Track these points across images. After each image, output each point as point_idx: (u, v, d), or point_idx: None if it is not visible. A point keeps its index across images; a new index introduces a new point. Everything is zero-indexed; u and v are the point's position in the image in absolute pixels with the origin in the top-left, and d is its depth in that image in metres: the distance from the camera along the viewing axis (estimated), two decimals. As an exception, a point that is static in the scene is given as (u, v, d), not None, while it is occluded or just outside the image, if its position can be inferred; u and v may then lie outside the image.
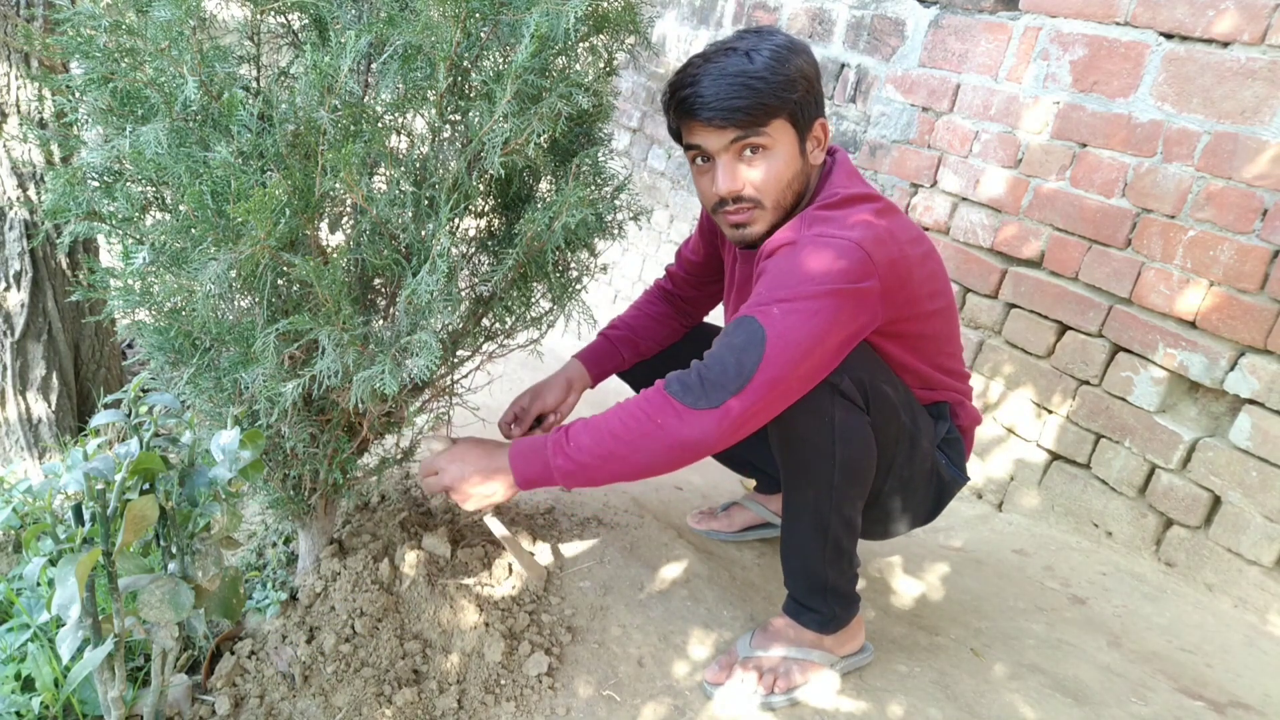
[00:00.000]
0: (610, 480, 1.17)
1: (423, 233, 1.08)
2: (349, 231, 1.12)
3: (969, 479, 1.40)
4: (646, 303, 1.69)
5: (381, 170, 1.14)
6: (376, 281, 1.22)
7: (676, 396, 1.11)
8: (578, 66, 1.16)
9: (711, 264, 1.62)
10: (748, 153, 1.21)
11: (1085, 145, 2.08)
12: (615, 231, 1.36)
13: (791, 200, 1.27)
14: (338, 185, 1.00)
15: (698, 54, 1.22)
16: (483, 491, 1.23)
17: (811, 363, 1.13)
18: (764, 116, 1.18)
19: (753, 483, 1.98)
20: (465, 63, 1.06)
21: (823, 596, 1.36)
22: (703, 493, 2.10)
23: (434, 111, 1.08)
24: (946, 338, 1.36)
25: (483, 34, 1.06)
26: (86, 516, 0.93)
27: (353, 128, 1.00)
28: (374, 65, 1.08)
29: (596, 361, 1.64)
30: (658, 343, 1.67)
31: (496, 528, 1.47)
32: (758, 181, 1.23)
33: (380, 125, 1.06)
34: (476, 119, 1.07)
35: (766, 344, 1.09)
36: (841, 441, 1.23)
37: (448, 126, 1.12)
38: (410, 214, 1.07)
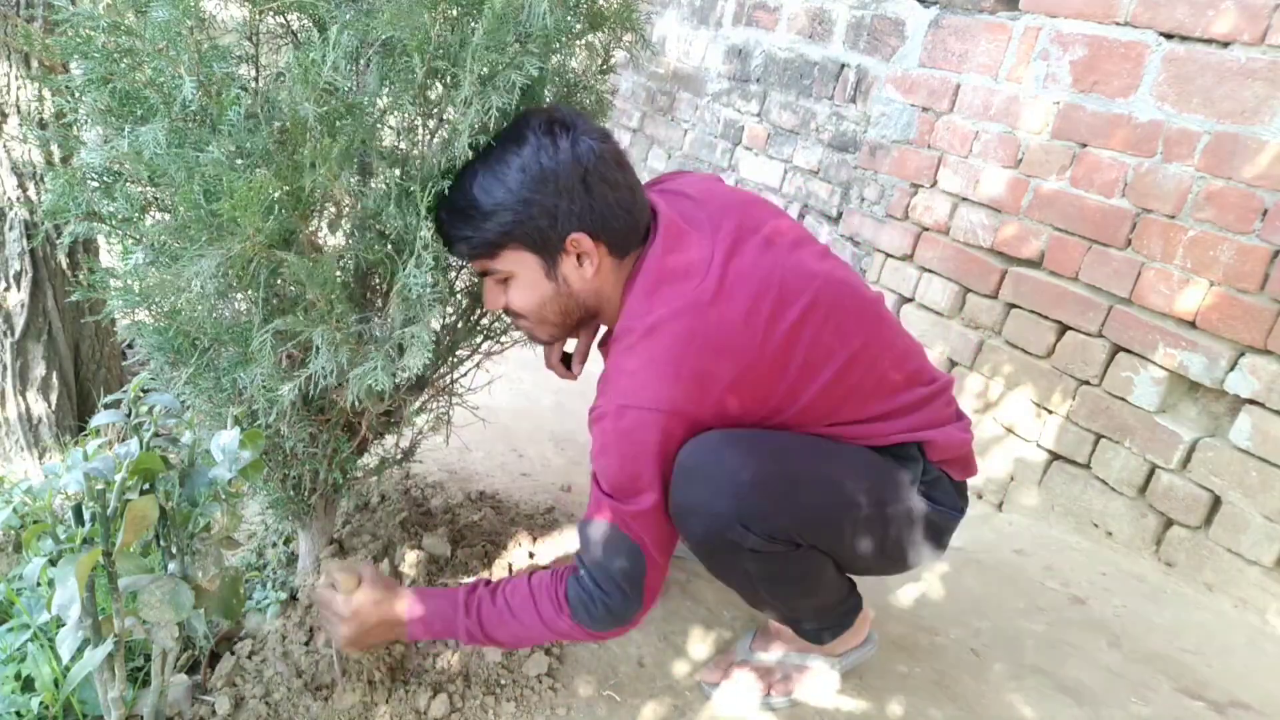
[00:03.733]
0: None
1: (408, 225, 1.08)
2: (345, 229, 1.12)
3: (963, 511, 1.29)
4: None
5: (369, 164, 1.14)
6: (370, 279, 1.22)
7: (585, 625, 1.17)
8: (573, 63, 1.15)
9: None
10: (494, 278, 1.17)
11: (1085, 145, 2.08)
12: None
13: (567, 319, 1.21)
14: (320, 180, 0.99)
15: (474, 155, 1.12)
16: (370, 644, 1.23)
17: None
18: (489, 249, 1.12)
19: None
20: (441, 52, 1.05)
21: (812, 624, 1.35)
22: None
23: (411, 102, 1.07)
24: (875, 385, 1.19)
25: (460, 22, 1.05)
26: (86, 516, 0.93)
27: (338, 123, 1.00)
28: (362, 61, 1.07)
29: None
30: None
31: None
32: (511, 303, 1.18)
33: (365, 119, 1.05)
34: (443, 103, 1.06)
35: (646, 561, 1.14)
36: (766, 584, 1.20)
37: (428, 117, 1.11)
38: (394, 207, 1.07)
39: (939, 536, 1.27)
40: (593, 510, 1.15)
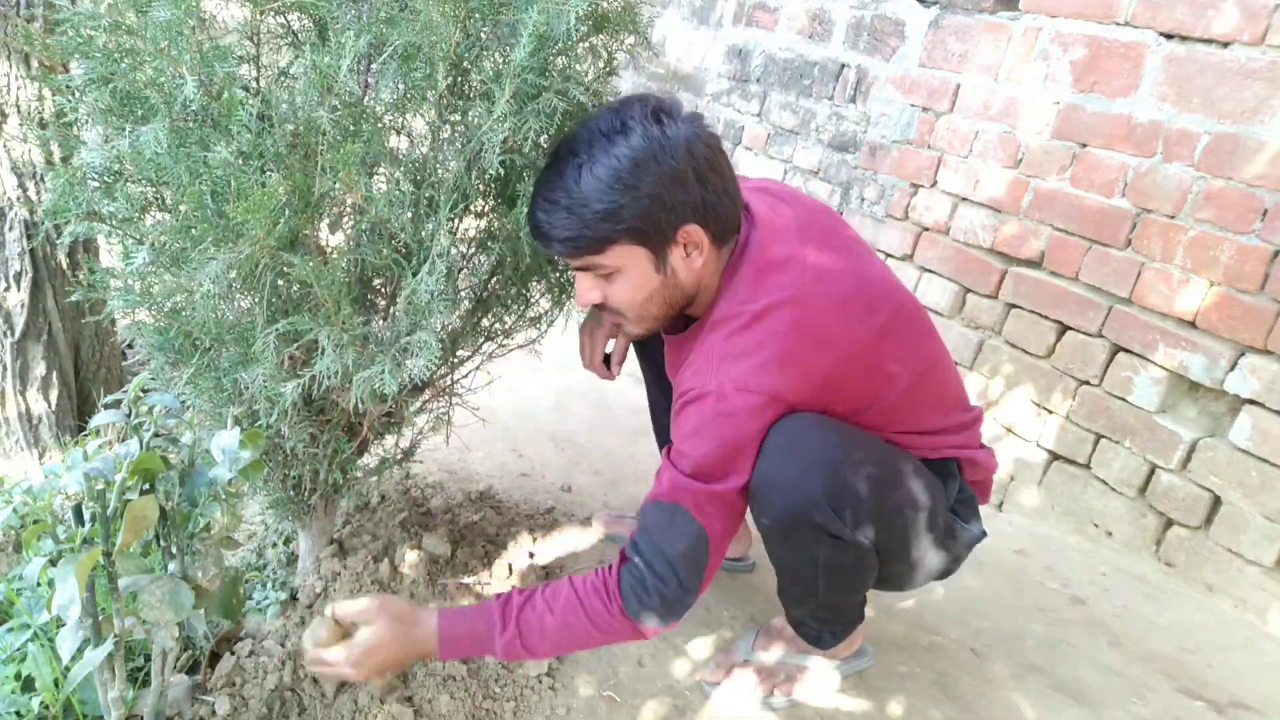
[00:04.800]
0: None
1: (422, 233, 1.08)
2: (349, 231, 1.12)
3: (984, 534, 1.31)
4: None
5: (381, 170, 1.14)
6: (376, 282, 1.22)
7: (635, 617, 1.12)
8: (578, 66, 1.15)
9: None
10: (597, 273, 1.14)
11: (1085, 145, 2.08)
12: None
13: (668, 311, 1.19)
14: (337, 185, 1.00)
15: (562, 145, 1.10)
16: (383, 667, 1.12)
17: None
18: (596, 246, 1.09)
19: None
20: (465, 63, 1.06)
21: (822, 627, 1.35)
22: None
23: (433, 111, 1.08)
24: (935, 400, 1.24)
25: (482, 34, 1.07)
26: (86, 516, 0.93)
27: (352, 127, 1.00)
28: (374, 66, 1.07)
29: None
30: None
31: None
32: (613, 298, 1.16)
33: (380, 125, 1.06)
34: (475, 119, 1.07)
35: (710, 547, 1.11)
36: (826, 574, 1.19)
37: (447, 126, 1.11)
38: (409, 214, 1.07)
39: (958, 555, 1.29)
40: (663, 492, 1.12)
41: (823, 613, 1.30)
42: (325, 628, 1.10)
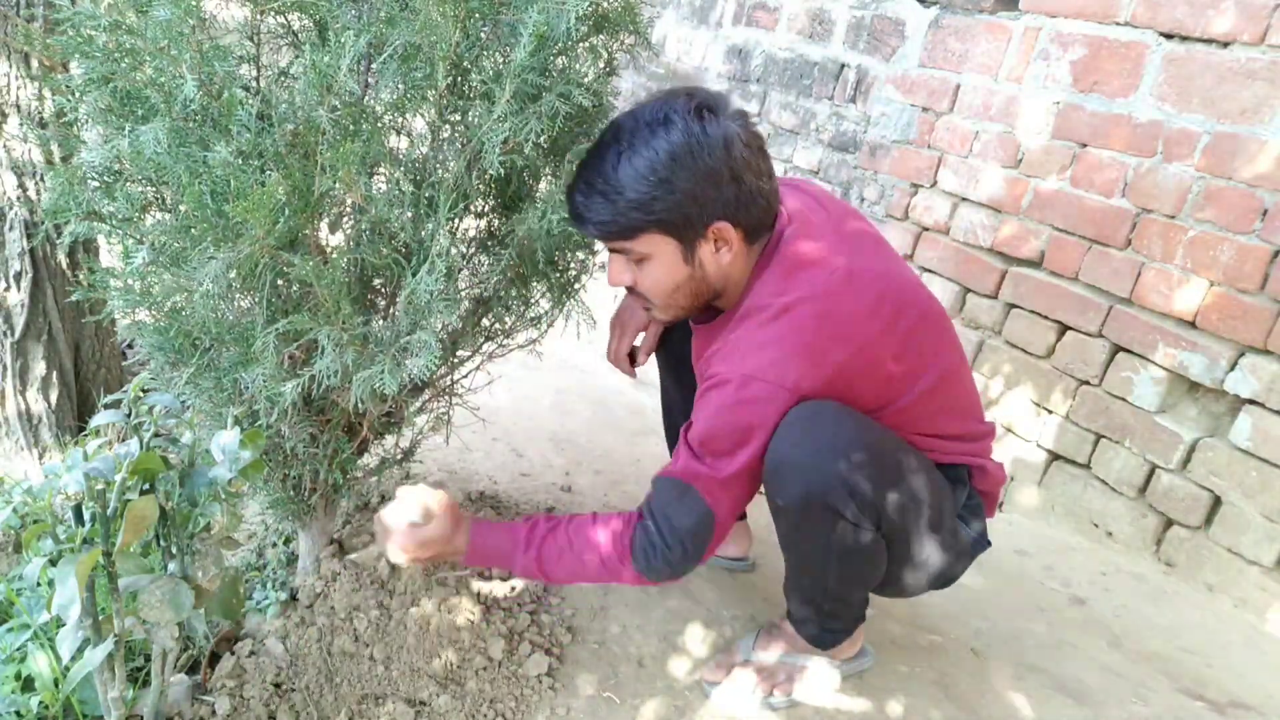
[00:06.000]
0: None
1: (422, 233, 1.08)
2: (349, 231, 1.12)
3: (990, 544, 1.34)
4: None
5: (381, 170, 1.14)
6: (376, 281, 1.22)
7: (644, 574, 1.20)
8: (578, 66, 1.15)
9: None
10: (628, 258, 1.17)
11: (1085, 145, 2.08)
12: (615, 231, 1.35)
13: (695, 301, 1.21)
14: (336, 185, 1.00)
15: (607, 129, 1.13)
16: (423, 556, 1.22)
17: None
18: (629, 231, 1.12)
19: None
20: (465, 63, 1.06)
21: (825, 625, 1.35)
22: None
23: (433, 111, 1.08)
24: (952, 406, 1.27)
25: (482, 34, 1.06)
26: (86, 516, 0.93)
27: (352, 127, 1.00)
28: (374, 65, 1.07)
29: None
30: None
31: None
32: (641, 284, 1.19)
33: (379, 125, 1.06)
34: (475, 119, 1.06)
35: (715, 525, 1.17)
36: (836, 561, 1.20)
37: (447, 126, 1.11)
38: (409, 214, 1.07)
39: (961, 561, 1.30)
40: (676, 469, 1.18)
41: (828, 606, 1.30)
42: (421, 503, 1.21)
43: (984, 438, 1.33)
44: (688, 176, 1.07)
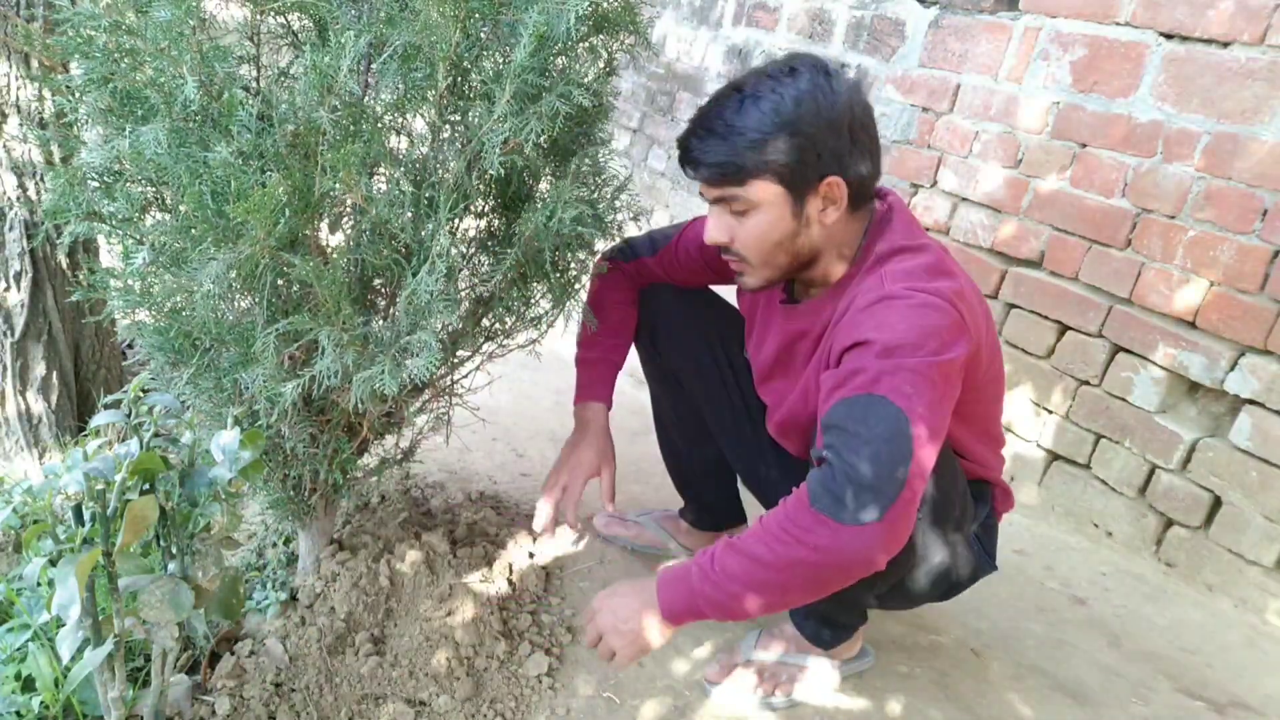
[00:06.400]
0: (769, 612, 1.05)
1: (422, 233, 1.08)
2: (349, 232, 1.12)
3: (996, 569, 1.30)
4: (619, 301, 1.50)
5: (381, 170, 1.14)
6: (376, 282, 1.22)
7: (828, 513, 0.97)
8: (577, 66, 1.16)
9: (705, 275, 1.45)
10: (733, 207, 1.14)
11: (1085, 145, 2.08)
12: (615, 232, 1.36)
13: (793, 262, 1.17)
14: (337, 185, 1.00)
15: (727, 84, 1.13)
16: (632, 633, 1.09)
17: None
18: (741, 176, 1.09)
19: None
20: (465, 63, 1.06)
21: (826, 625, 1.35)
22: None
23: (433, 111, 1.08)
24: (990, 424, 1.27)
25: (482, 34, 1.07)
26: (86, 516, 0.93)
27: (352, 128, 1.00)
28: (374, 66, 1.07)
29: (605, 387, 1.50)
30: (632, 326, 1.53)
31: None
32: (741, 238, 1.15)
33: (380, 125, 1.06)
34: (475, 119, 1.07)
35: (914, 435, 0.98)
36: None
37: (447, 126, 1.12)
38: (409, 214, 1.07)
39: (966, 581, 1.28)
40: (855, 387, 1.01)
41: (830, 606, 1.28)
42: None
43: (1001, 462, 1.33)
44: (811, 122, 1.07)
